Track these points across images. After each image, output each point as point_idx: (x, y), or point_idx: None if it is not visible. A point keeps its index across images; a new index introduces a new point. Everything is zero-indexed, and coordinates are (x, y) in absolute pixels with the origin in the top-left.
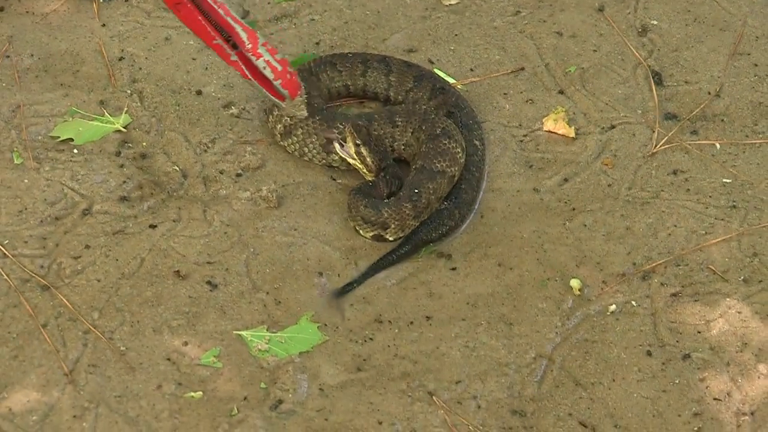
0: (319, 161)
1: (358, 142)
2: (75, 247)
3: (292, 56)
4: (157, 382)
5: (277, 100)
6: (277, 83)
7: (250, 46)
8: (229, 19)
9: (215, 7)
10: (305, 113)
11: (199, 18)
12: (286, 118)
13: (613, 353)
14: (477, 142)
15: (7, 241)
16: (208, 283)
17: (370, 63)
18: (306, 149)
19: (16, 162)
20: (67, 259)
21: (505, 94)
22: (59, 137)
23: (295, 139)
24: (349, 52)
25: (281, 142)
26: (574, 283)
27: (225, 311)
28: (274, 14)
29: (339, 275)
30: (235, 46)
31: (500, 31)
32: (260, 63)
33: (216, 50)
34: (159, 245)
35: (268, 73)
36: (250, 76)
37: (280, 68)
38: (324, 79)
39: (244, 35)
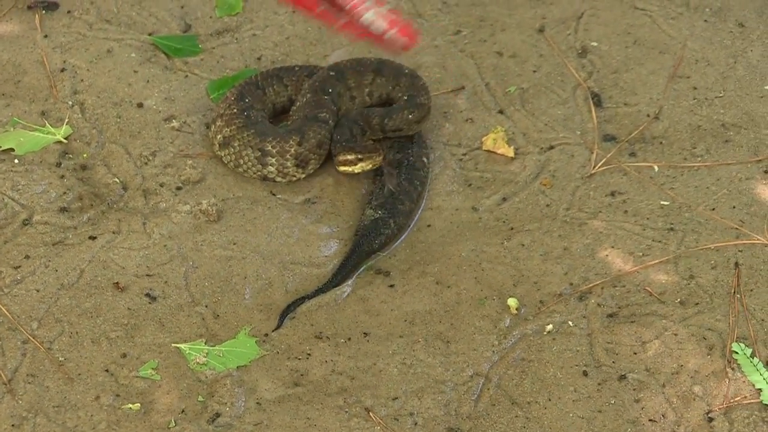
0: (254, 173)
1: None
2: (15, 257)
3: (234, 71)
4: (95, 393)
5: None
6: (390, 34)
7: (355, 1)
8: None
9: None
10: None
11: None
12: (226, 129)
13: (549, 373)
14: (425, 159)
15: None
16: (147, 295)
17: None
18: (241, 161)
19: None
20: (7, 268)
21: (445, 113)
22: (0, 147)
23: (232, 150)
24: (296, 66)
25: (219, 152)
26: (512, 302)
27: (164, 324)
28: (216, 28)
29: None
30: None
31: (441, 49)
32: (368, 17)
33: (323, 18)
34: (98, 257)
35: (380, 24)
36: (364, 36)
37: (391, 16)
38: (270, 93)
39: None
